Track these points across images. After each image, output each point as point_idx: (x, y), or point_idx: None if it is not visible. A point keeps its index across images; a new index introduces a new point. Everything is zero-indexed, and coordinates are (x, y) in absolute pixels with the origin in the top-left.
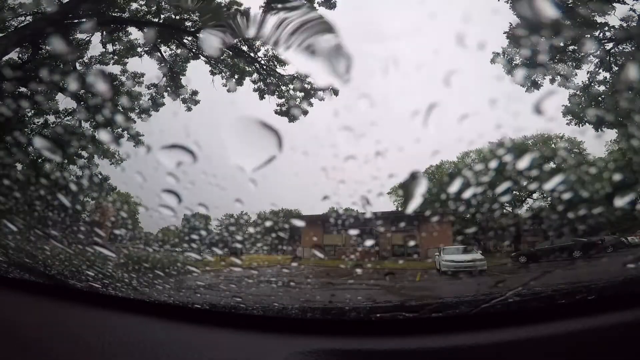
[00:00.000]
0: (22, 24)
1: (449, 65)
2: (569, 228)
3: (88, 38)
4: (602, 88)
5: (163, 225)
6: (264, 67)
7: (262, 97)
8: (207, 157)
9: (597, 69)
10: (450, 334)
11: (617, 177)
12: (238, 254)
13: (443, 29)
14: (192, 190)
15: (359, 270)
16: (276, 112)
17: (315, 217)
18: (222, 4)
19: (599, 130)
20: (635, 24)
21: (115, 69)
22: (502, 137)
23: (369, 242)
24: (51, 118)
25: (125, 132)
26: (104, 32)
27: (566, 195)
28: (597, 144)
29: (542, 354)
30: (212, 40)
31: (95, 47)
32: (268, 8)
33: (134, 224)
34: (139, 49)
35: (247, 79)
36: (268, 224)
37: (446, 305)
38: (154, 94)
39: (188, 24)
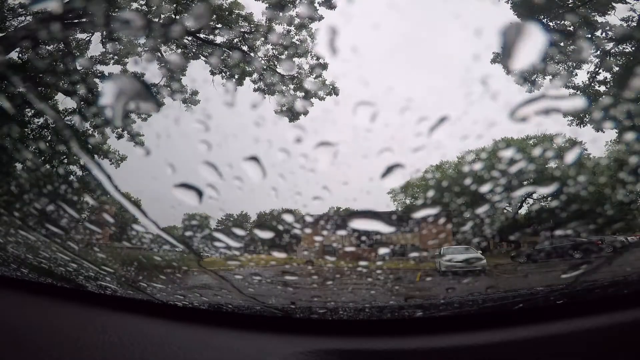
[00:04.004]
0: (22, 24)
1: (449, 65)
2: (568, 228)
3: (88, 38)
4: (602, 88)
5: (163, 224)
6: (264, 67)
7: (262, 97)
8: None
9: (597, 69)
10: (451, 334)
11: (617, 177)
12: (238, 253)
13: (442, 28)
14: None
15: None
16: (276, 112)
17: (314, 217)
18: (223, 5)
19: (600, 130)
20: (635, 24)
21: (115, 69)
22: (502, 137)
23: (368, 243)
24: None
25: (125, 132)
26: (104, 32)
27: (566, 196)
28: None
29: (542, 353)
30: (212, 40)
31: (96, 47)
32: (269, 9)
33: (134, 224)
34: (139, 49)
35: (247, 79)
36: (268, 224)
37: (446, 305)
38: (153, 93)
39: (188, 24)
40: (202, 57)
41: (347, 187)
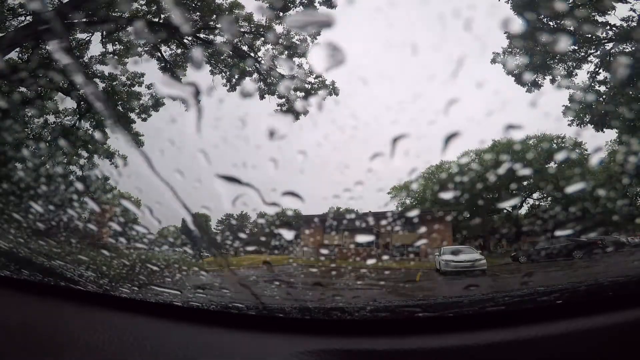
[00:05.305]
0: (22, 24)
1: (449, 65)
2: (568, 228)
3: (88, 38)
4: (602, 88)
5: (163, 224)
6: (264, 67)
7: (262, 97)
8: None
9: (597, 69)
10: (450, 334)
11: (617, 178)
12: (238, 253)
13: (443, 28)
14: (193, 189)
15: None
16: (277, 112)
17: (315, 217)
18: (223, 5)
19: (600, 130)
20: (635, 24)
21: (115, 68)
22: (502, 137)
23: (368, 243)
24: (51, 118)
25: (125, 132)
26: (104, 32)
27: (566, 196)
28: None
29: (543, 353)
30: (212, 40)
31: (96, 47)
32: (269, 9)
33: (134, 224)
34: (139, 49)
35: (247, 79)
36: (268, 224)
37: (446, 305)
38: (153, 93)
39: (188, 23)
40: (202, 57)
41: (344, 187)
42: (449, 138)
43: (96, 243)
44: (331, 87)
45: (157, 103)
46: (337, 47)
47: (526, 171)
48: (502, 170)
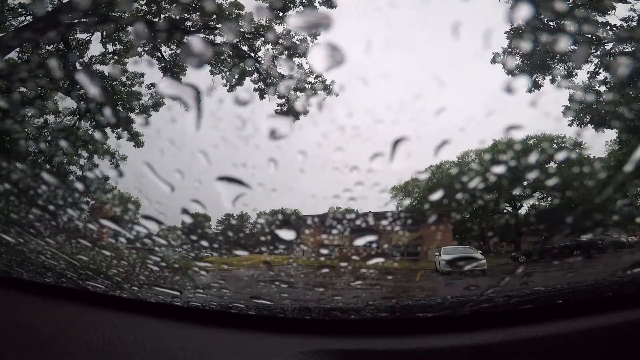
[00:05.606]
0: (22, 24)
1: (449, 65)
2: (568, 228)
3: (88, 38)
4: (602, 88)
5: (163, 225)
6: (264, 67)
7: (262, 97)
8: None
9: (597, 69)
10: (450, 334)
11: (617, 177)
12: (237, 253)
13: (444, 30)
14: (194, 189)
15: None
16: (277, 112)
17: (315, 217)
18: (223, 5)
19: (600, 130)
20: (635, 24)
21: (115, 69)
22: (502, 137)
23: (368, 243)
24: (51, 118)
25: (125, 132)
26: (104, 32)
27: (566, 196)
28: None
29: (543, 354)
30: (212, 40)
31: (96, 47)
32: (269, 9)
33: (134, 224)
34: (139, 49)
35: (247, 79)
36: (268, 224)
37: (445, 305)
38: (153, 93)
39: (188, 23)
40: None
41: (344, 187)
42: (440, 146)
43: (96, 243)
44: (331, 87)
45: (157, 103)
46: (337, 47)
47: (526, 171)
48: (502, 170)
